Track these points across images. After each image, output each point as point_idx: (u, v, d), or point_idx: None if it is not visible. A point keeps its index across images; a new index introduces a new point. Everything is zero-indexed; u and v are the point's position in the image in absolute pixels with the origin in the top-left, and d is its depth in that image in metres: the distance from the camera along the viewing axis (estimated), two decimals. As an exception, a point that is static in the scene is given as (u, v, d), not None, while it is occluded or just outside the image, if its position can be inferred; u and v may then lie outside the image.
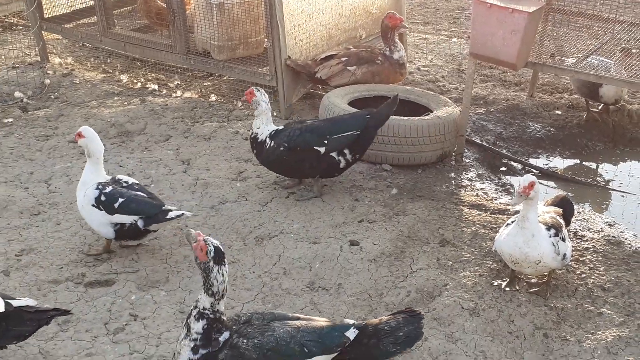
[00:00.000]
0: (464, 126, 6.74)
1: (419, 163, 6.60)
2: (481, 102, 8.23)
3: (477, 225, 5.57)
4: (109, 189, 5.20)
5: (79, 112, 7.89)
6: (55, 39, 9.95)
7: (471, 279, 4.90)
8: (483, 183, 6.57)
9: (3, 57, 9.26)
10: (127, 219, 5.13)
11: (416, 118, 6.56)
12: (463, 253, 5.19)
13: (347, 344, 3.50)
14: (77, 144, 5.43)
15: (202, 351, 3.48)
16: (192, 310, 3.57)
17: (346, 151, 5.81)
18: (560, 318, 4.57)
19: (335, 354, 3.51)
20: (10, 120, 7.74)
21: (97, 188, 5.21)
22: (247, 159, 6.79)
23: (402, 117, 6.50)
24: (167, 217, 5.14)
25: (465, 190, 6.32)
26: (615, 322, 4.54)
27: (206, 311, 3.52)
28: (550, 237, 4.54)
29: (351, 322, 3.59)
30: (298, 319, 3.66)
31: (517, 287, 4.78)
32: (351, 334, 3.52)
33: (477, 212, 5.82)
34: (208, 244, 3.49)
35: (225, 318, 3.61)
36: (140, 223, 5.15)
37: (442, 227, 5.57)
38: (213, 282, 3.48)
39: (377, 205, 5.92)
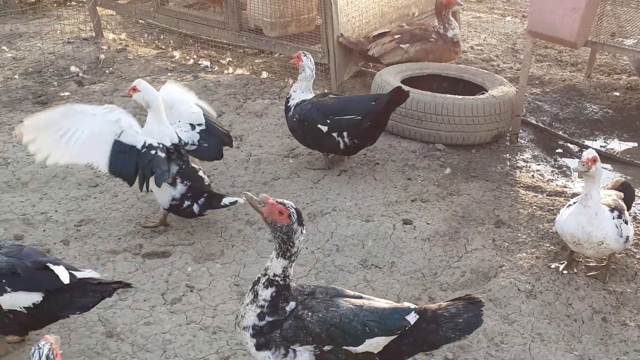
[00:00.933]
0: (519, 106, 6.63)
1: (473, 143, 6.52)
2: (537, 82, 8.08)
3: (534, 207, 5.50)
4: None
5: (133, 87, 7.96)
6: (109, 14, 10.07)
7: (528, 261, 4.85)
8: (539, 165, 6.47)
9: (59, 31, 9.41)
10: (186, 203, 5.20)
11: (471, 97, 6.47)
12: (519, 235, 5.13)
13: (407, 328, 3.48)
14: (132, 99, 5.41)
15: (268, 318, 3.43)
16: (260, 277, 3.50)
17: (345, 134, 5.77)
18: (620, 302, 4.50)
19: (395, 336, 3.50)
20: (67, 94, 7.87)
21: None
22: (299, 135, 6.79)
23: (456, 96, 6.42)
24: (221, 203, 5.20)
25: (520, 172, 6.23)
26: (678, 307, 4.44)
27: (276, 278, 3.43)
28: (613, 218, 4.45)
29: (412, 306, 3.56)
30: (360, 297, 3.64)
31: (576, 270, 4.72)
32: (412, 318, 3.50)
33: (533, 194, 5.74)
34: (288, 207, 3.34)
35: (293, 285, 3.57)
36: (195, 208, 5.20)
37: (498, 208, 5.51)
38: (295, 242, 3.36)
39: (431, 184, 5.88)
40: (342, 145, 5.86)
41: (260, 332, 3.42)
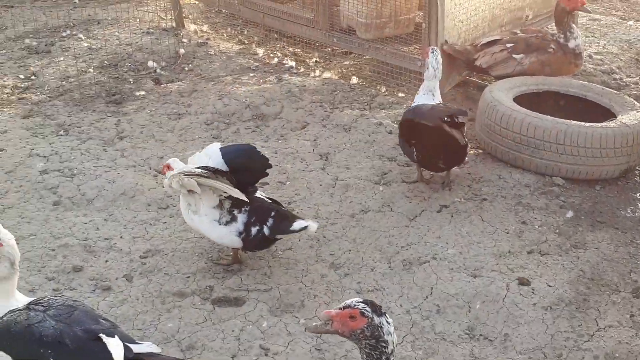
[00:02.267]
0: (657, 137, 5.63)
1: (597, 178, 5.58)
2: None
3: (682, 271, 4.55)
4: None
5: (213, 88, 7.34)
6: (192, 3, 9.46)
7: (677, 348, 3.94)
8: (676, 208, 5.49)
9: (138, 20, 8.86)
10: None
11: (600, 125, 5.52)
12: (659, 307, 4.22)
13: None
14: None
15: None
16: None
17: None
18: None
19: None
20: (143, 92, 7.31)
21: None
22: (392, 157, 6.01)
23: (582, 123, 5.48)
24: (291, 228, 4.54)
25: (655, 217, 5.27)
26: None
27: None
28: None
29: None
30: None
31: None
32: None
33: (679, 251, 4.78)
34: (354, 306, 2.67)
35: None
36: (266, 230, 4.52)
37: (635, 269, 4.59)
38: (386, 339, 2.66)
39: (550, 232, 4.99)
40: (415, 155, 5.38)
41: None
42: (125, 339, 3.34)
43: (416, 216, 5.20)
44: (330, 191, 5.57)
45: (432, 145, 5.19)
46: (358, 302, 2.69)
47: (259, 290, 4.58)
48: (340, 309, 2.68)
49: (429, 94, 5.49)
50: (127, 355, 3.24)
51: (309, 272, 4.74)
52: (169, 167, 4.79)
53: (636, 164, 5.74)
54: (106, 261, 4.84)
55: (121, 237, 5.08)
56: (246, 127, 6.62)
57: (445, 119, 5.09)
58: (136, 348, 3.32)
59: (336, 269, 4.76)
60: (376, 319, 2.65)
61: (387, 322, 2.68)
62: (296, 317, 4.38)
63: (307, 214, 5.29)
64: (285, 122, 6.68)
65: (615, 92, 6.26)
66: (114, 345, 3.23)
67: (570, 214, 5.18)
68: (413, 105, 5.54)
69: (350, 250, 4.90)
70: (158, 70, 7.83)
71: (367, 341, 2.66)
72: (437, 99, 5.52)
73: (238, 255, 4.82)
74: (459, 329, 4.23)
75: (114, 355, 3.19)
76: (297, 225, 4.54)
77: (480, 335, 4.18)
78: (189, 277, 4.71)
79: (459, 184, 5.53)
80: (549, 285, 4.44)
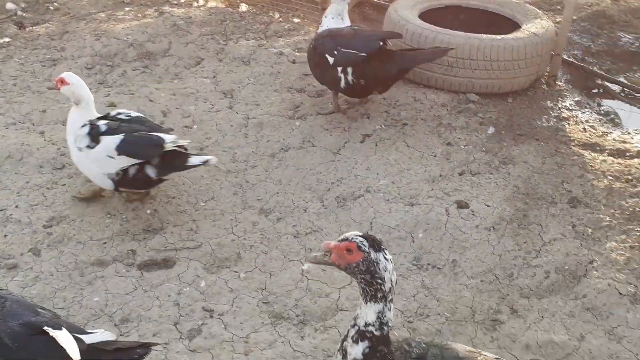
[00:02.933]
0: (562, 44, 5.64)
1: (510, 91, 5.55)
2: (558, 7, 7.06)
3: (608, 177, 4.60)
4: (103, 126, 4.24)
5: (86, 27, 6.64)
6: None
7: (621, 253, 3.99)
8: (584, 112, 5.56)
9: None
10: (128, 162, 4.15)
11: (511, 36, 5.43)
12: (601, 216, 4.25)
13: None
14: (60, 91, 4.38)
15: None
16: (348, 330, 2.67)
17: (349, 70, 4.90)
18: None
19: None
20: (7, 40, 6.49)
21: (86, 125, 4.27)
22: (300, 88, 5.69)
23: (494, 36, 5.37)
24: (188, 164, 4.16)
25: (569, 124, 5.31)
26: None
27: (369, 327, 2.59)
28: None
29: None
30: None
31: (683, 263, 3.90)
32: None
33: (602, 158, 4.83)
34: (352, 239, 2.56)
35: (392, 341, 2.67)
36: (150, 171, 4.15)
37: (566, 180, 4.60)
38: (383, 275, 2.54)
39: (476, 150, 4.90)
40: (342, 83, 4.99)
41: None
42: (74, 330, 2.90)
43: (340, 149, 4.95)
44: (243, 131, 5.20)
45: (373, 72, 4.89)
46: (357, 235, 2.57)
47: (188, 249, 4.22)
48: (339, 241, 2.59)
49: (338, 18, 5.19)
50: (80, 348, 2.81)
51: (238, 222, 4.41)
52: (62, 82, 4.28)
53: (543, 72, 5.75)
54: (5, 235, 4.27)
55: (16, 207, 4.50)
56: (133, 68, 6.04)
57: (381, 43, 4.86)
58: (88, 338, 2.89)
59: (267, 214, 4.46)
60: (373, 254, 2.53)
61: (385, 258, 2.54)
62: (235, 272, 4.07)
63: (224, 159, 4.91)
64: (177, 59, 6.16)
65: (516, 1, 6.19)
66: (65, 339, 2.77)
67: (491, 130, 5.11)
68: (323, 29, 5.20)
69: (277, 193, 4.61)
70: (19, 13, 6.99)
71: (363, 276, 2.55)
72: (347, 22, 5.22)
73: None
74: (405, 261, 4.09)
75: (68, 352, 2.74)
76: (195, 160, 4.16)
77: (428, 264, 4.05)
78: (105, 242, 4.25)
79: (376, 111, 5.32)
80: (487, 205, 4.37)
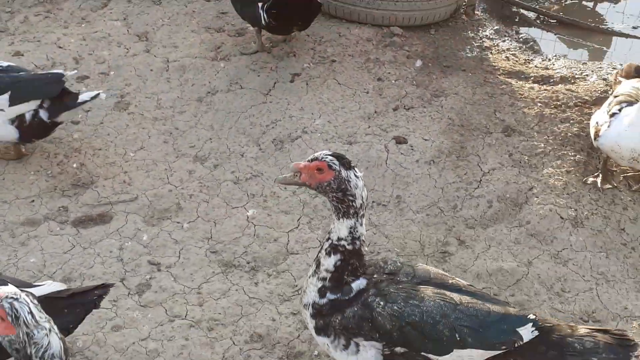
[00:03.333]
0: (480, -28, 5.66)
1: (431, 22, 5.53)
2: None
3: (539, 104, 4.68)
4: None
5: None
6: None
7: (559, 178, 4.11)
8: (504, 41, 5.63)
9: None
10: (24, 108, 3.95)
11: (430, -33, 5.39)
12: (536, 143, 4.34)
13: (516, 345, 2.63)
14: None
15: (329, 296, 2.71)
16: (323, 243, 2.74)
17: (265, 6, 4.73)
18: (673, 219, 3.92)
19: (497, 352, 2.65)
20: None
21: None
22: (219, 27, 5.47)
23: (415, -32, 5.32)
24: (79, 101, 4.02)
25: (492, 54, 5.37)
26: None
27: (342, 242, 2.67)
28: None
29: (532, 316, 2.67)
30: (459, 289, 2.75)
31: (616, 184, 4.05)
32: (526, 333, 2.62)
33: (528, 86, 4.91)
34: (322, 158, 2.61)
35: (365, 253, 2.75)
36: (43, 114, 3.98)
37: (498, 109, 4.66)
38: (354, 192, 2.60)
39: (407, 84, 4.88)
40: (263, 20, 4.81)
41: (320, 312, 2.74)
42: (21, 285, 2.72)
43: (270, 90, 4.81)
44: (165, 76, 4.95)
45: (296, 6, 4.73)
46: (326, 154, 2.63)
47: (124, 202, 4.02)
48: (308, 161, 2.62)
49: None
50: None
51: (173, 171, 4.23)
52: None
53: (462, 2, 5.77)
54: None
55: None
56: (35, 13, 5.60)
57: None
58: (37, 291, 2.73)
59: (202, 161, 4.30)
60: (343, 172, 2.58)
61: (356, 175, 2.61)
62: (178, 223, 3.92)
63: (148, 106, 4.68)
64: (81, 2, 5.76)
65: None
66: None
67: (419, 63, 5.10)
68: None
69: (211, 139, 4.44)
70: None
71: (334, 194, 2.60)
72: None
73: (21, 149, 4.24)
74: (351, 201, 4.06)
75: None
76: (85, 96, 4.02)
77: (373, 202, 4.04)
78: (32, 201, 4.00)
79: (302, 48, 5.18)
80: (425, 139, 4.38)
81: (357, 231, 2.68)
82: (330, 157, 2.61)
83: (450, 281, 2.77)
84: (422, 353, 2.67)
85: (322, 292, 2.72)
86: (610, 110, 3.91)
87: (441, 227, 3.89)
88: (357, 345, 2.70)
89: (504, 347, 2.63)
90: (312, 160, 2.63)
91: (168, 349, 3.27)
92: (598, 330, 2.69)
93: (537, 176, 4.12)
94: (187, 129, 4.51)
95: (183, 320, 3.40)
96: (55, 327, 2.13)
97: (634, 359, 2.64)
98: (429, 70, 5.04)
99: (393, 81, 4.90)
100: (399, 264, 2.80)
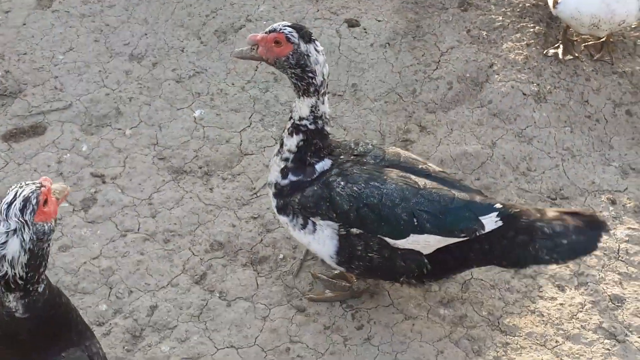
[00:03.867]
0: None
1: None
2: None
3: (494, -25, 4.41)
4: None
5: None
6: None
7: (519, 52, 3.90)
8: None
9: None
10: None
11: None
12: (494, 17, 4.09)
13: (477, 233, 2.54)
14: None
15: (291, 177, 2.67)
16: (287, 122, 2.67)
17: None
18: (636, 86, 3.77)
19: (458, 240, 2.56)
20: None
21: None
22: None
23: None
24: None
25: None
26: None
27: (303, 121, 2.59)
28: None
29: (498, 205, 2.57)
30: (428, 174, 2.63)
31: (577, 54, 3.87)
32: (489, 222, 2.53)
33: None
34: (280, 30, 2.47)
35: (329, 133, 2.66)
36: None
37: (451, -18, 4.37)
38: (314, 68, 2.48)
39: (353, -41, 4.53)
40: None
41: (281, 192, 2.70)
42: None
43: (203, -26, 4.41)
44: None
45: None
46: (285, 26, 2.49)
47: (57, 110, 3.71)
48: (266, 32, 2.48)
49: None
50: None
51: (108, 73, 3.89)
52: None
53: None
54: None
55: None
56: None
57: None
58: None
59: (139, 60, 3.96)
60: (303, 46, 2.46)
61: (316, 50, 2.49)
62: (119, 129, 3.64)
63: (72, 1, 4.25)
64: None
65: None
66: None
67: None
68: None
69: (146, 35, 4.08)
70: None
71: (293, 70, 2.49)
72: None
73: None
74: (304, 92, 3.81)
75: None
76: None
77: (328, 92, 3.79)
78: (-47, 118, 3.65)
79: None
80: (378, 20, 4.10)
81: (319, 110, 2.58)
82: (289, 29, 2.48)
83: (420, 166, 2.68)
84: (378, 235, 2.60)
85: (284, 173, 2.67)
86: (569, -25, 3.67)
87: (401, 114, 3.70)
88: (315, 224, 2.64)
89: (463, 235, 2.56)
90: (269, 32, 2.49)
91: (123, 265, 3.08)
92: (567, 213, 2.64)
93: (497, 52, 3.91)
94: (118, 25, 4.13)
95: (136, 234, 3.19)
96: (26, 233, 1.92)
97: (601, 237, 2.61)
98: (376, -56, 4.67)
99: (338, -42, 4.53)
100: (370, 146, 2.71)
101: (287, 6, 4.21)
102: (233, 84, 3.85)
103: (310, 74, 2.49)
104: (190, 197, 3.35)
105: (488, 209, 2.55)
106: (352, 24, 4.08)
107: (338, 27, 4.06)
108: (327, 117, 2.63)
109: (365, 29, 4.05)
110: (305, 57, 2.47)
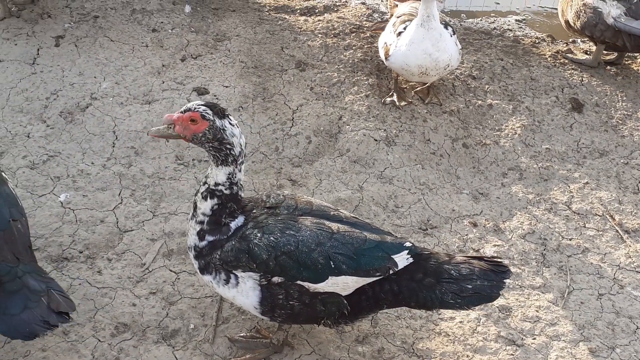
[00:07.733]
0: None
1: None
2: None
3: (319, 35, 4.74)
4: None
5: None
6: None
7: (361, 103, 4.24)
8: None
9: None
10: None
11: None
12: (329, 74, 4.41)
13: (390, 271, 2.70)
14: None
15: (209, 238, 2.73)
16: (200, 186, 2.73)
17: None
18: (463, 122, 4.28)
19: (373, 279, 2.71)
20: None
21: None
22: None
23: None
24: None
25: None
26: (508, 111, 4.40)
27: (219, 187, 2.68)
28: (451, 36, 4.06)
29: (408, 244, 2.74)
30: (340, 220, 2.76)
31: (410, 100, 4.30)
32: (401, 260, 2.70)
33: (301, 19, 4.94)
34: (194, 109, 2.57)
35: (243, 196, 2.76)
36: None
37: (284, 45, 4.63)
38: (231, 141, 2.59)
39: (185, 32, 4.64)
40: None
41: (201, 253, 2.77)
42: None
43: (35, 58, 4.26)
44: None
45: None
46: (199, 105, 2.58)
47: None
48: (181, 112, 2.57)
49: None
50: None
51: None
52: None
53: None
54: None
55: None
56: None
57: None
58: None
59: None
60: (218, 122, 2.57)
61: (231, 124, 2.62)
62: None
63: None
64: None
65: None
66: None
67: (188, 8, 4.86)
68: None
69: (-16, 124, 3.82)
70: None
71: (211, 144, 2.59)
72: None
73: None
74: (168, 163, 3.80)
75: None
76: None
77: (185, 163, 3.83)
78: None
79: (54, 7, 4.64)
80: (226, 86, 4.23)
81: (235, 177, 2.69)
82: (203, 107, 2.58)
83: (332, 212, 2.81)
84: (298, 282, 2.70)
85: (201, 235, 2.73)
86: (396, 30, 4.10)
87: (270, 171, 3.84)
88: (237, 277, 2.70)
89: (378, 274, 2.69)
90: (184, 111, 2.57)
91: (25, 368, 2.84)
92: (474, 258, 2.82)
93: (342, 105, 4.22)
94: (-52, 118, 3.83)
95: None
96: None
97: (505, 283, 2.75)
98: (202, 15, 4.84)
99: (170, 30, 4.62)
100: (281, 197, 2.83)
101: (130, 81, 4.19)
102: (93, 163, 3.73)
103: (228, 146, 2.60)
104: (80, 284, 3.18)
105: (399, 247, 2.72)
106: (201, 91, 4.17)
107: (188, 96, 4.12)
108: (242, 183, 2.72)
109: (215, 96, 4.16)
110: (221, 131, 2.57)
